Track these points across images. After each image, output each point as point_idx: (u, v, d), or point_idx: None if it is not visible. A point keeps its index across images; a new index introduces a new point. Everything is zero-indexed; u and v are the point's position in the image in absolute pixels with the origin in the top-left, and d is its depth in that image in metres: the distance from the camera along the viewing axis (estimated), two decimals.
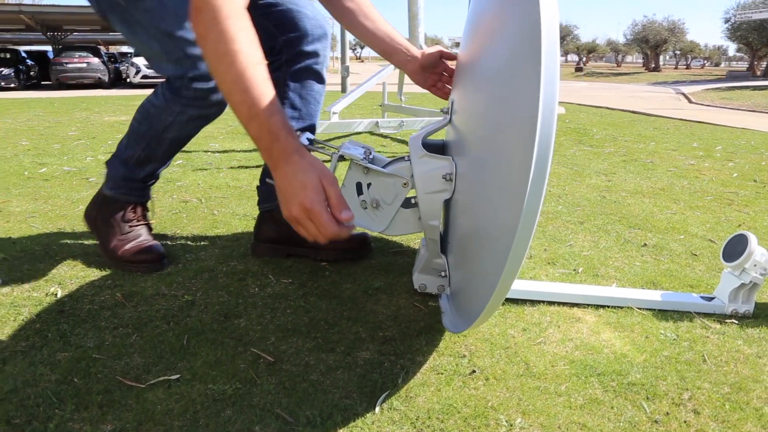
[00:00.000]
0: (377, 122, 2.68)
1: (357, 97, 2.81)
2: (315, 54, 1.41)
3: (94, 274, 1.36)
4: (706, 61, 61.40)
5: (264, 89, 0.84)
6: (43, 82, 21.37)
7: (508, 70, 0.77)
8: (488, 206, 0.81)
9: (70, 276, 1.34)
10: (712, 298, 1.24)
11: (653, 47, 36.55)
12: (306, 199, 0.81)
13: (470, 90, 1.01)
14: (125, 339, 1.04)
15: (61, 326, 1.09)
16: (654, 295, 1.22)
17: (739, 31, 26.69)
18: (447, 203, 1.09)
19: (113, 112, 5.73)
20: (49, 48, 26.36)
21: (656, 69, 36.00)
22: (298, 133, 0.90)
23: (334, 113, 2.56)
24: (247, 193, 2.20)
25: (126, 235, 1.41)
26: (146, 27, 1.19)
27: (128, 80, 19.46)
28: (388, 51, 1.33)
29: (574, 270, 1.46)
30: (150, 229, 1.48)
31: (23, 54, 22.91)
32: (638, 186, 2.52)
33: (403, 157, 1.16)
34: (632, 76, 33.13)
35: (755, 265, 1.18)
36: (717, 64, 64.42)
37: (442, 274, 1.18)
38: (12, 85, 18.94)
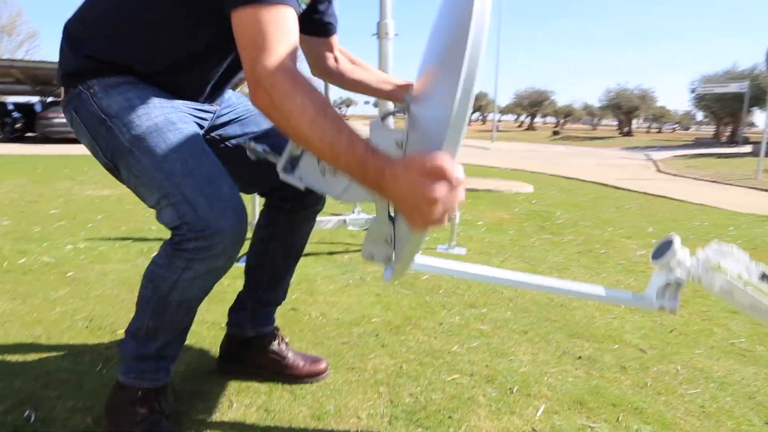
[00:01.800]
0: (345, 219, 2.85)
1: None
2: (317, 205, 1.56)
3: (68, 393, 1.47)
4: (676, 125, 63.80)
5: (333, 127, 0.94)
6: (28, 134, 21.42)
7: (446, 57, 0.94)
8: None
9: (45, 396, 1.45)
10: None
11: (626, 113, 38.00)
12: (425, 197, 0.82)
13: (423, 82, 1.21)
14: None
15: None
16: (595, 290, 1.35)
17: (704, 101, 27.95)
18: None
19: (96, 183, 5.85)
20: (36, 98, 26.61)
21: (629, 134, 37.33)
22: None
23: None
24: (217, 295, 2.32)
25: (139, 425, 1.26)
26: (148, 169, 1.15)
27: None
28: (378, 86, 1.48)
29: (509, 389, 1.60)
30: (168, 418, 1.29)
31: (10, 107, 23.08)
32: None
33: None
34: (607, 141, 34.27)
35: (679, 265, 1.30)
36: (687, 128, 66.95)
37: (388, 240, 1.23)
38: None
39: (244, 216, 1.16)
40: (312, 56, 1.50)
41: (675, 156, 20.23)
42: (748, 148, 20.56)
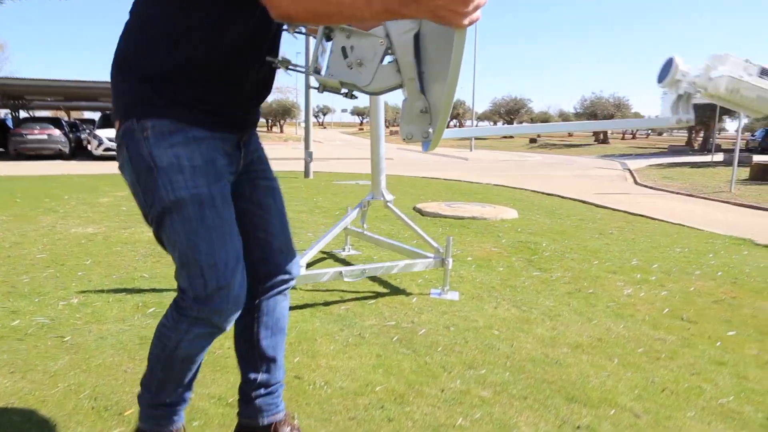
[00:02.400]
0: (341, 271, 2.89)
1: (323, 245, 3.02)
2: (290, 282, 1.62)
3: None
4: (650, 131, 64.90)
5: None
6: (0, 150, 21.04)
7: None
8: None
9: None
10: None
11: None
12: None
13: None
14: None
15: None
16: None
17: None
18: (417, 41, 1.30)
19: (79, 218, 5.79)
20: (7, 112, 26.12)
21: (605, 141, 37.92)
22: None
23: (300, 266, 2.75)
24: (220, 360, 2.34)
25: None
26: (179, 234, 1.29)
27: (90, 151, 19.39)
28: None
29: None
30: None
31: None
32: (579, 335, 2.77)
33: None
34: (583, 149, 34.78)
35: (684, 77, 1.43)
36: (660, 134, 68.15)
37: (423, 111, 1.34)
38: None
39: (242, 303, 1.38)
40: None
41: (650, 165, 20.63)
42: (719, 157, 21.06)
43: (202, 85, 1.30)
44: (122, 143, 1.31)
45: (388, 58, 1.35)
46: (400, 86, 1.36)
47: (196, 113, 1.30)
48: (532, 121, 52.11)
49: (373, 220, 5.60)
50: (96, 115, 36.38)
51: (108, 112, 26.84)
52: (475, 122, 34.71)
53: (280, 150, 26.00)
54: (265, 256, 1.55)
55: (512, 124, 49.01)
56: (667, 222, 7.13)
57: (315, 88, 1.42)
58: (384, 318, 2.88)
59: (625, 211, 8.02)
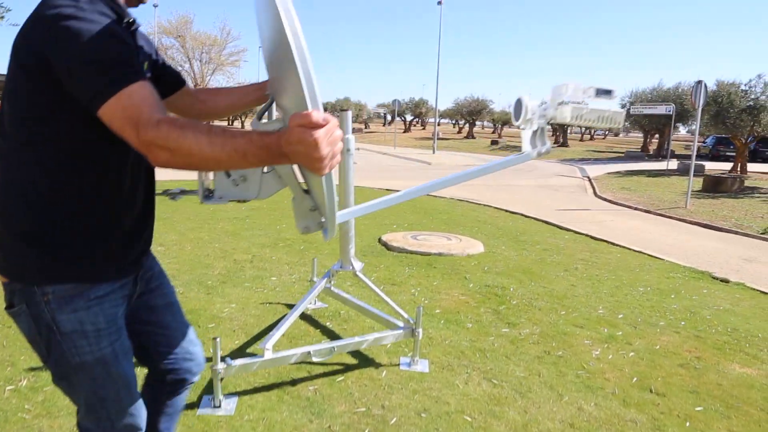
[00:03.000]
0: (309, 351, 2.77)
1: (288, 326, 2.89)
2: (194, 379, 1.70)
3: None
4: (607, 132, 66.61)
5: (223, 139, 1.08)
6: None
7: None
8: None
9: None
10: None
11: (560, 124, 39.22)
12: (308, 142, 0.99)
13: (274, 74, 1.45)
14: None
15: None
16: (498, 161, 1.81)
17: (633, 116, 29.32)
18: None
19: None
20: None
21: (564, 144, 38.63)
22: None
23: (267, 349, 2.63)
24: None
25: None
26: (86, 390, 1.37)
27: None
28: (244, 100, 1.67)
29: None
30: None
31: None
32: (551, 419, 2.72)
33: None
34: None
35: (533, 114, 1.62)
36: (616, 134, 70.05)
37: (311, 209, 1.44)
38: None
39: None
40: (181, 110, 1.64)
41: (609, 173, 21.11)
42: (674, 164, 21.70)
43: (95, 233, 1.31)
44: (17, 298, 1.31)
45: (266, 168, 1.44)
46: (285, 186, 1.48)
47: (97, 268, 1.33)
48: (494, 122, 52.69)
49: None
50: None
51: None
52: (437, 120, 34.85)
53: None
54: (169, 365, 1.62)
55: (474, 124, 49.43)
56: (629, 249, 7.24)
57: (209, 203, 1.51)
58: (354, 401, 2.77)
59: (587, 235, 8.12)
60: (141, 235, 1.44)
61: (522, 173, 20.67)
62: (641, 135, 40.74)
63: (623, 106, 31.95)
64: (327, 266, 5.25)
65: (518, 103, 1.68)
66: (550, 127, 1.77)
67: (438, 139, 32.60)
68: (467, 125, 49.81)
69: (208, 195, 1.47)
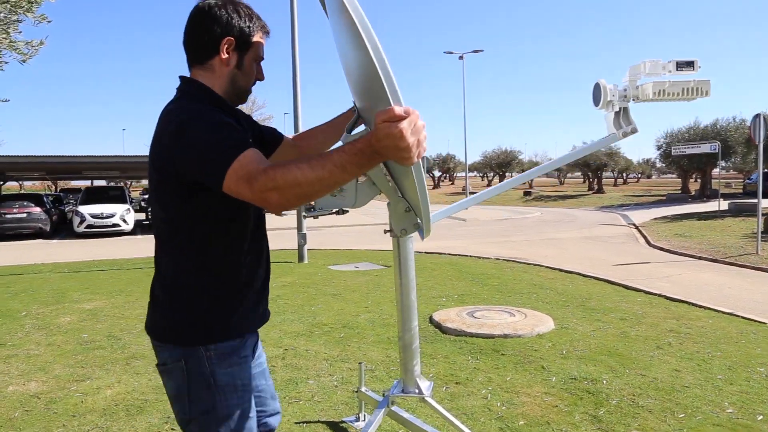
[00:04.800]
0: None
1: None
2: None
3: None
4: (640, 174, 65.05)
5: (322, 161, 1.23)
6: None
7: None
8: None
9: None
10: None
11: (594, 170, 38.30)
12: (394, 134, 1.12)
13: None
14: None
15: None
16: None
17: (670, 157, 28.24)
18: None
19: (27, 359, 4.73)
20: None
21: (600, 191, 37.47)
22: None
23: None
24: None
25: None
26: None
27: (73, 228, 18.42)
28: (337, 130, 1.81)
29: None
30: None
31: None
32: None
33: None
34: (578, 200, 34.25)
35: (614, 96, 1.66)
36: (649, 176, 68.35)
37: (406, 210, 1.64)
38: None
39: None
40: (287, 158, 1.71)
41: (655, 219, 19.89)
42: (724, 205, 20.35)
43: (237, 295, 1.56)
44: (177, 356, 1.51)
45: (361, 177, 1.57)
46: (380, 193, 1.62)
47: (242, 323, 1.58)
48: (523, 171, 51.92)
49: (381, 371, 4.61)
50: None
51: (90, 186, 25.99)
52: (467, 174, 34.25)
53: (276, 217, 25.10)
54: (260, 422, 1.73)
55: (504, 176, 48.73)
56: (718, 312, 6.21)
57: (309, 216, 1.79)
58: None
59: (662, 296, 7.11)
60: (265, 294, 1.68)
61: (563, 224, 19.65)
62: (677, 176, 39.38)
63: (659, 148, 30.93)
64: (374, 360, 4.39)
65: (597, 87, 1.67)
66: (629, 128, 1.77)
67: (469, 193, 31.84)
68: (497, 177, 49.05)
69: (309, 208, 1.63)
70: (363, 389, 3.22)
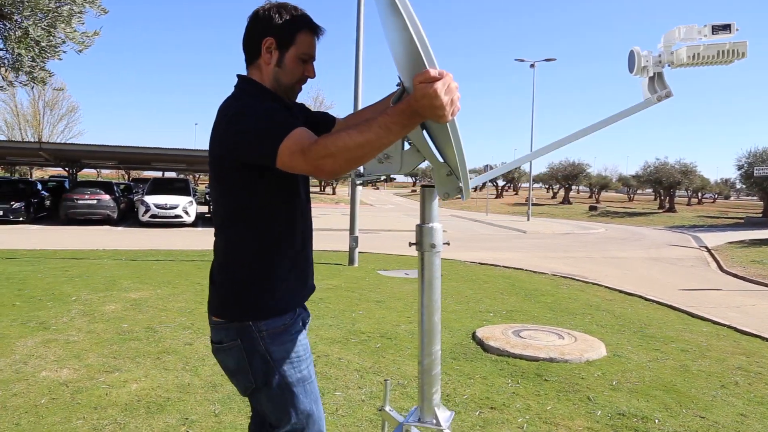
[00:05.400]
0: None
1: None
2: None
3: None
4: (717, 195, 61.56)
5: (368, 124, 1.35)
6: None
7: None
8: None
9: None
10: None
11: (667, 188, 36.45)
12: (430, 94, 1.23)
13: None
14: None
15: None
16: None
17: (752, 178, 26.50)
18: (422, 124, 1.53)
19: (65, 344, 4.78)
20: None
21: (671, 209, 35.63)
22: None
23: None
24: None
25: None
26: (287, 404, 1.71)
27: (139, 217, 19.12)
28: (388, 103, 1.83)
29: None
30: None
31: (38, 186, 23.05)
32: None
33: None
34: (648, 218, 32.69)
35: (648, 62, 1.62)
36: (727, 197, 64.56)
37: (448, 174, 1.64)
38: (21, 219, 18.67)
39: None
40: None
41: (730, 243, 18.62)
42: None
43: (287, 275, 1.71)
44: (232, 334, 1.66)
45: (406, 144, 1.63)
46: (424, 160, 1.66)
47: (290, 301, 1.73)
48: (590, 186, 50.21)
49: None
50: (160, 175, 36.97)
51: (158, 177, 26.97)
52: (531, 185, 33.38)
53: (328, 218, 25.21)
54: None
55: (570, 189, 47.21)
56: None
57: (359, 184, 1.93)
58: None
59: (731, 327, 6.52)
60: (310, 271, 1.85)
61: (629, 243, 18.72)
62: (758, 198, 36.85)
63: (740, 168, 29.11)
64: (407, 375, 4.17)
65: (632, 54, 1.66)
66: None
67: (532, 204, 30.99)
68: (562, 190, 47.62)
69: (359, 175, 1.64)
70: (387, 408, 3.00)
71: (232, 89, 1.75)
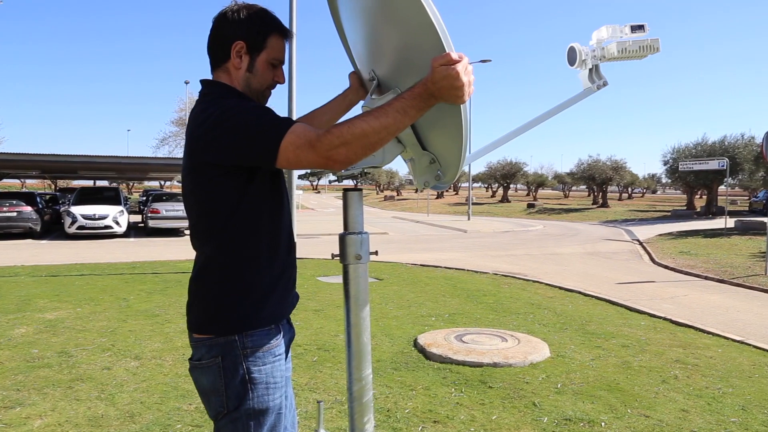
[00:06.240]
0: None
1: None
2: None
3: None
4: (645, 189, 64.41)
5: (383, 109, 1.37)
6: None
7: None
8: None
9: None
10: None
11: (599, 184, 37.73)
12: (451, 75, 1.29)
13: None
14: None
15: None
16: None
17: (677, 173, 27.76)
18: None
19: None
20: None
21: (605, 205, 36.91)
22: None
23: None
24: None
25: None
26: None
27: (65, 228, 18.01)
28: (344, 102, 1.92)
29: None
30: None
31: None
32: None
33: None
34: (583, 213, 33.69)
35: (587, 55, 1.79)
36: (654, 192, 67.68)
37: (431, 161, 1.69)
38: None
39: None
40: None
41: (660, 235, 19.36)
42: (730, 222, 19.82)
43: (274, 285, 1.61)
44: (214, 350, 1.55)
45: None
46: (404, 150, 1.69)
47: (275, 311, 1.62)
48: (528, 184, 51.45)
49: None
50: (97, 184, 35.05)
51: (85, 186, 25.60)
52: (471, 184, 33.80)
53: None
54: None
55: (508, 187, 48.17)
56: (727, 339, 5.75)
57: (333, 181, 1.82)
58: None
59: (667, 319, 6.65)
60: (294, 280, 1.73)
61: (566, 238, 19.15)
62: (682, 192, 38.74)
63: (666, 163, 30.44)
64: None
65: (572, 50, 1.81)
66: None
67: (472, 204, 31.35)
68: (501, 188, 48.55)
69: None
70: (321, 431, 2.76)
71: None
